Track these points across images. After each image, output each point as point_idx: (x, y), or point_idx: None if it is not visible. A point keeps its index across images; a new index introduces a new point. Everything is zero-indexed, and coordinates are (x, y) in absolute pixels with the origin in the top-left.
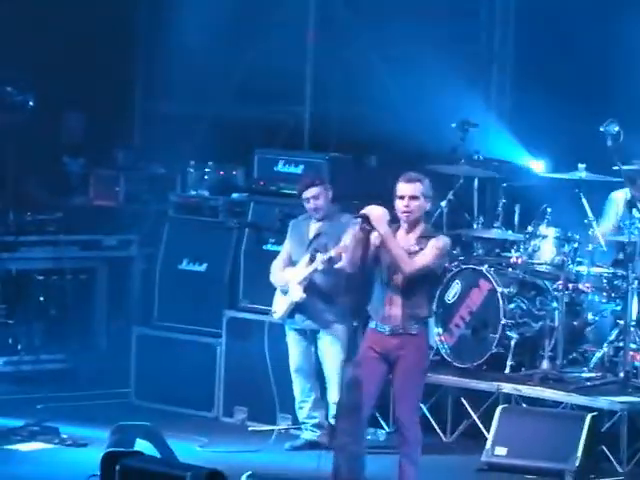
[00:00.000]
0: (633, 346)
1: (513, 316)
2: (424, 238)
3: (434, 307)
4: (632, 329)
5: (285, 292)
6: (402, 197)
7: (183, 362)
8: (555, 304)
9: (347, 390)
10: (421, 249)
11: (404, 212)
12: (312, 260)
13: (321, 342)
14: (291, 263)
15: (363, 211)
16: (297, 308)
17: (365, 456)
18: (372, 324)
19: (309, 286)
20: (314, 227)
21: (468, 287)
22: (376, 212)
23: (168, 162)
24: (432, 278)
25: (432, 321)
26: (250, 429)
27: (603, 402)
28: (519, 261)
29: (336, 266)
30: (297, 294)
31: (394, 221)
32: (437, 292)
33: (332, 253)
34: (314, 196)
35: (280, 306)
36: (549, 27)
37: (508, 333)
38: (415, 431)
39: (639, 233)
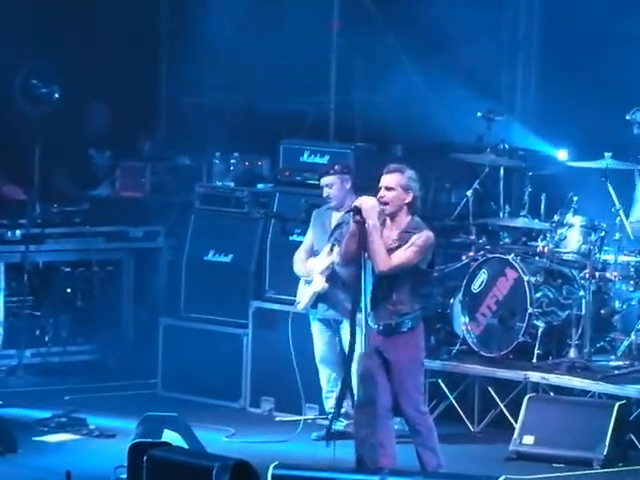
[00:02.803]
0: None
1: (540, 305)
2: (407, 233)
3: (460, 296)
4: None
5: (309, 282)
6: (380, 188)
7: (210, 353)
8: (582, 293)
9: (360, 383)
10: (400, 245)
11: (380, 203)
12: (332, 251)
13: (344, 332)
14: (314, 253)
15: (355, 203)
16: (320, 298)
17: (394, 445)
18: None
19: (331, 276)
20: (336, 216)
21: (495, 276)
22: (367, 204)
23: (194, 153)
24: (415, 274)
25: (458, 309)
26: (277, 419)
27: (631, 390)
28: (546, 250)
29: None
30: (319, 284)
31: None
32: (426, 286)
33: None
34: (328, 184)
35: (303, 296)
36: (574, 15)
37: (535, 322)
38: (424, 421)
39: None
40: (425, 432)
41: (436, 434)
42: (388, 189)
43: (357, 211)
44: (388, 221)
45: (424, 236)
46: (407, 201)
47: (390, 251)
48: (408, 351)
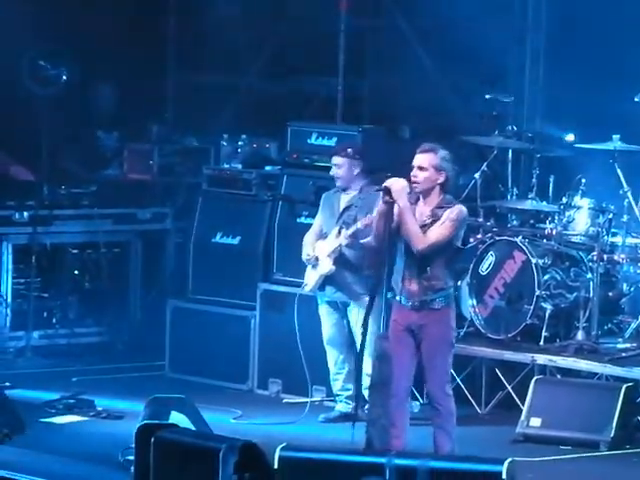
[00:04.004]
0: None
1: (548, 287)
2: (440, 209)
3: (468, 279)
4: None
5: (314, 266)
6: (413, 167)
7: (217, 335)
8: (590, 275)
9: (376, 364)
10: (434, 221)
11: (412, 182)
12: (341, 232)
13: (351, 314)
14: (323, 236)
15: (385, 184)
16: (327, 280)
17: (407, 429)
18: (397, 297)
19: (338, 258)
20: (345, 199)
21: (502, 258)
22: (397, 185)
23: (201, 135)
24: (449, 250)
25: (465, 292)
26: (284, 401)
27: (638, 373)
28: (553, 232)
29: (362, 241)
30: (326, 266)
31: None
32: (460, 264)
33: (358, 225)
34: (337, 164)
35: (311, 279)
36: None
37: (543, 304)
38: (447, 403)
39: None
40: (445, 414)
41: (455, 420)
42: (421, 169)
43: (387, 191)
44: (421, 199)
45: (457, 210)
46: (440, 181)
47: (424, 227)
48: (440, 329)
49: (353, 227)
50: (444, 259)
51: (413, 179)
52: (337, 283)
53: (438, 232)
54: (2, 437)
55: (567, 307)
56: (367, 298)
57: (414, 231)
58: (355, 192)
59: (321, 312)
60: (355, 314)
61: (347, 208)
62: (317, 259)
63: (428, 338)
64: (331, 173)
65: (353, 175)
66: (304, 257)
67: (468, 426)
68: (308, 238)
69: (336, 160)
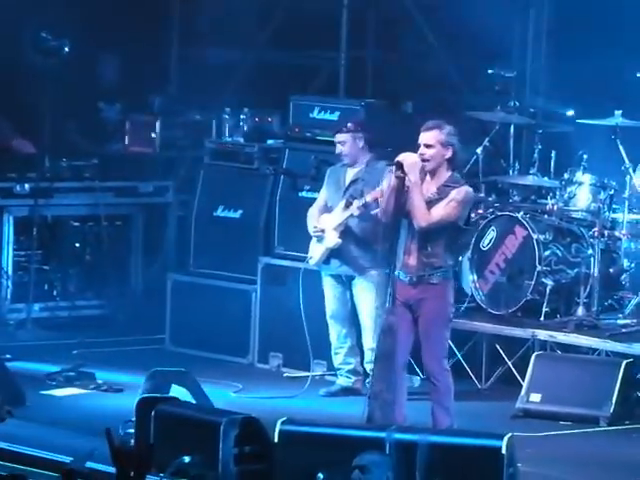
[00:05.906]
0: None
1: (549, 263)
2: (447, 187)
3: (469, 254)
4: None
5: (320, 239)
6: (419, 145)
7: (218, 308)
8: (591, 251)
9: (381, 337)
10: (441, 198)
11: (422, 161)
12: (348, 206)
13: (356, 288)
14: (327, 210)
15: (397, 158)
16: (333, 254)
17: (405, 403)
18: (396, 272)
19: (345, 232)
20: (351, 173)
21: (504, 234)
22: (409, 159)
23: (204, 108)
24: (452, 229)
25: (466, 267)
26: (285, 375)
27: (638, 348)
28: (555, 208)
29: (373, 212)
30: (332, 240)
31: None
32: (462, 241)
33: (367, 198)
34: (340, 142)
35: (316, 252)
36: None
37: (543, 280)
38: (444, 379)
39: None
40: (442, 389)
41: (453, 395)
42: (427, 146)
43: (399, 166)
44: (428, 176)
45: (463, 191)
46: (447, 157)
47: (430, 203)
48: (438, 304)
49: (361, 200)
50: (445, 238)
51: (422, 157)
52: (342, 256)
53: (443, 211)
54: (4, 414)
55: (568, 283)
56: (373, 272)
57: (419, 207)
58: (362, 166)
59: (325, 286)
60: (359, 288)
61: (353, 182)
62: (323, 232)
63: (425, 313)
64: (337, 152)
65: (359, 149)
66: (310, 230)
67: (468, 401)
68: (313, 211)
69: (339, 137)
